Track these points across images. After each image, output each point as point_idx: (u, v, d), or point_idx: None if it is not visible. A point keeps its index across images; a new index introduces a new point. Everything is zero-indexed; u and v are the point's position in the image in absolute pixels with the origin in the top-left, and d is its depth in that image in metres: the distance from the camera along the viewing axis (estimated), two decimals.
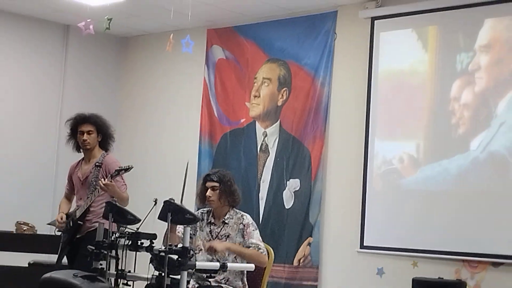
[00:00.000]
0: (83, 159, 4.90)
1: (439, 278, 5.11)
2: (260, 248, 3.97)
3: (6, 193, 6.81)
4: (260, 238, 4.07)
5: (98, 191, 4.53)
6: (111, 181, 4.42)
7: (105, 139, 4.86)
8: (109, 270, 3.64)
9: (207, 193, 4.04)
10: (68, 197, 5.02)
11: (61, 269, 4.40)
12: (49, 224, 5.20)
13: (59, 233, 4.87)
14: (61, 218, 4.70)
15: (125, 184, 4.72)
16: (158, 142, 7.82)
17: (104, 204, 4.23)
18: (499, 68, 5.43)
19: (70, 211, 4.85)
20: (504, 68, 5.43)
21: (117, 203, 3.88)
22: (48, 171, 7.19)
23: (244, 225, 4.05)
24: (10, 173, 6.91)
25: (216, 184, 4.01)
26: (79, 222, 4.63)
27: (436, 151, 5.66)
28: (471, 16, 5.57)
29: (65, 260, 4.87)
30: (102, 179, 4.45)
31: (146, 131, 7.95)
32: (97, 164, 4.69)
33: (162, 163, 7.65)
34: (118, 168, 4.50)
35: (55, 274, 3.74)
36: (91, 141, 4.71)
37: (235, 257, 4.07)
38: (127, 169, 4.46)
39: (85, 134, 4.69)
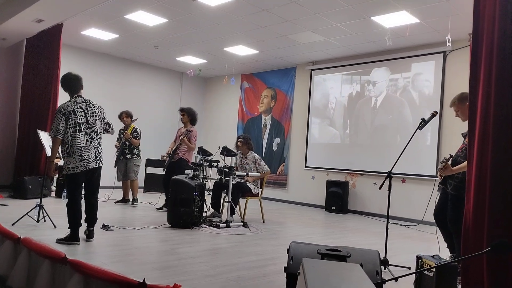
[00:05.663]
0: (183, 127, 7.04)
1: (337, 180, 8.77)
2: (264, 169, 6.41)
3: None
4: (264, 163, 6.48)
5: (181, 143, 6.79)
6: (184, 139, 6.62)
7: (192, 119, 6.95)
8: (199, 176, 5.94)
9: (238, 144, 6.51)
10: (174, 142, 7.12)
11: (165, 173, 6.63)
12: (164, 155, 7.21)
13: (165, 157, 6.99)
14: (169, 151, 6.94)
15: (195, 143, 6.83)
16: (221, 123, 11.52)
17: (184, 148, 6.68)
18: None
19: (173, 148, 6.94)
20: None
21: (202, 148, 6.55)
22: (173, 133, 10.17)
23: (255, 159, 6.45)
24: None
25: (242, 140, 6.51)
26: (173, 154, 6.87)
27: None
28: None
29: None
30: (185, 138, 6.65)
31: (217, 119, 11.63)
32: (187, 131, 6.83)
33: (223, 131, 11.30)
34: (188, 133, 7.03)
35: (178, 176, 5.48)
36: (184, 119, 6.95)
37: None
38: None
39: (182, 116, 6.97)
